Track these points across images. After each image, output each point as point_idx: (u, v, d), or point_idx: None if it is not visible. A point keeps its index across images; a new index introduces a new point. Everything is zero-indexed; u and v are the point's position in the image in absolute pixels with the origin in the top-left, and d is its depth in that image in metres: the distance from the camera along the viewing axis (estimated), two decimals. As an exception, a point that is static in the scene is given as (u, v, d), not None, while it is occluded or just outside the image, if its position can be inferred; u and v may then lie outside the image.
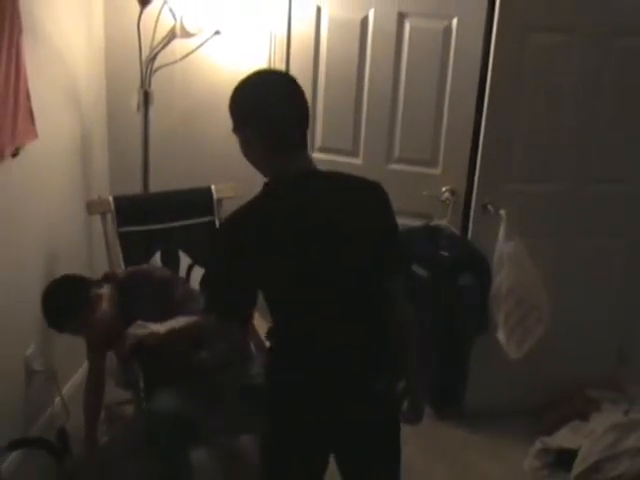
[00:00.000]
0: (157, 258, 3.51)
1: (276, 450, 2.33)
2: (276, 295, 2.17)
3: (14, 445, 3.13)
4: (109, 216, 3.46)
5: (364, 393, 2.25)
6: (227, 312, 2.16)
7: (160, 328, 2.94)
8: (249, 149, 2.16)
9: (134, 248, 3.49)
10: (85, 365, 3.62)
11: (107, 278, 3.17)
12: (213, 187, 3.63)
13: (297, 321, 2.19)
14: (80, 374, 3.81)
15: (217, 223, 3.61)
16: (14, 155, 2.99)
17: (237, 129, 2.17)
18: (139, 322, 2.97)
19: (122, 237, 3.47)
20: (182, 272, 3.54)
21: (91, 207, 3.50)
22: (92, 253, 3.95)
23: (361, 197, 2.20)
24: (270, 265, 2.07)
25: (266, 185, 2.15)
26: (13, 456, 3.22)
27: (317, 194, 2.13)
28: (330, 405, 2.20)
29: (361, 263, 2.17)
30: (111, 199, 3.48)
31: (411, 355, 2.37)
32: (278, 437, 2.31)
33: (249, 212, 2.11)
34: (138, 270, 3.25)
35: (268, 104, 2.11)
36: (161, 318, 3.04)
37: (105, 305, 3.01)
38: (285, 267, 2.08)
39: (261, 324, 3.48)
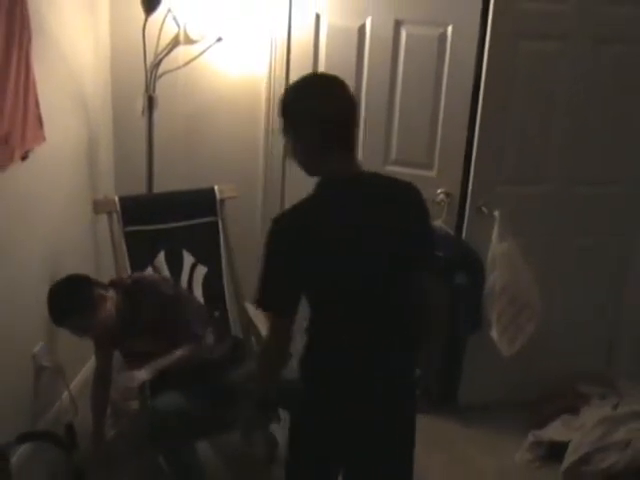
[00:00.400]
0: (161, 257, 3.53)
1: (301, 447, 2.38)
2: (318, 293, 2.19)
3: (23, 439, 3.15)
4: (115, 216, 3.47)
5: (392, 392, 2.32)
6: (278, 307, 2.19)
7: (145, 376, 2.99)
8: (297, 150, 2.20)
9: (139, 247, 3.50)
10: (92, 361, 3.67)
11: (113, 284, 3.17)
12: (216, 188, 3.64)
13: (334, 319, 2.23)
14: (87, 370, 3.84)
15: (220, 223, 3.63)
16: (23, 158, 3.02)
17: (287, 130, 2.20)
18: (127, 373, 3.02)
19: (127, 236, 3.48)
20: (185, 271, 3.57)
21: (97, 206, 3.51)
22: (98, 253, 3.98)
23: (402, 199, 2.26)
24: (316, 263, 2.12)
25: (317, 186, 2.19)
26: (22, 449, 3.24)
27: (364, 197, 2.17)
28: (359, 403, 2.26)
29: (398, 263, 2.22)
30: (117, 199, 3.49)
31: (435, 344, 2.47)
32: (306, 434, 2.36)
33: (301, 211, 2.16)
34: (144, 279, 3.26)
35: (318, 105, 2.13)
36: (159, 332, 3.09)
37: (109, 307, 3.01)
38: (330, 266, 2.13)
39: (261, 323, 3.58)
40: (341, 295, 2.18)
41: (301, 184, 4.00)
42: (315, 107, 2.14)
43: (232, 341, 3.40)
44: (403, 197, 2.26)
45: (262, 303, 2.21)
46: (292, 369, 3.16)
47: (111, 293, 3.07)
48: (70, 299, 3.01)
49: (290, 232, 2.13)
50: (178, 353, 3.05)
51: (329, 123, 2.13)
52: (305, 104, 2.15)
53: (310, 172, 2.22)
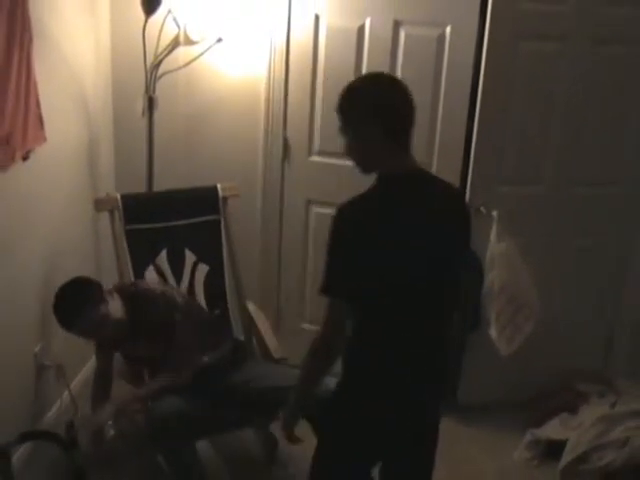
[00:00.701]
0: (163, 256, 3.53)
1: (340, 447, 2.38)
2: (373, 285, 2.17)
3: (24, 437, 3.15)
4: (117, 214, 3.47)
5: (431, 390, 2.39)
6: (340, 292, 2.17)
7: (108, 413, 3.07)
8: (361, 146, 2.21)
9: (141, 246, 3.49)
10: (92, 361, 3.69)
11: (117, 289, 3.17)
12: (219, 186, 3.65)
13: (384, 315, 2.22)
14: (88, 369, 3.86)
15: (222, 222, 3.63)
16: (25, 158, 3.04)
17: (351, 126, 2.21)
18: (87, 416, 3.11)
19: (129, 235, 3.47)
20: (187, 270, 3.57)
21: (99, 204, 3.51)
22: (98, 253, 3.99)
23: (456, 205, 2.31)
24: (375, 256, 2.13)
25: (381, 180, 2.20)
26: (23, 448, 3.27)
27: (425, 195, 2.23)
28: (404, 401, 2.31)
29: (446, 263, 2.27)
30: (119, 197, 3.48)
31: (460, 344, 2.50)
32: (347, 433, 2.35)
33: (366, 203, 2.17)
34: (146, 290, 3.23)
35: (390, 103, 2.17)
36: (159, 340, 3.11)
37: (114, 313, 3.02)
38: (388, 260, 2.14)
39: (262, 322, 3.60)
40: (394, 290, 2.19)
41: (299, 185, 4.06)
42: (388, 103, 2.18)
43: (233, 343, 3.41)
44: (456, 203, 2.34)
45: (325, 287, 2.19)
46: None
47: (116, 298, 3.08)
48: (77, 302, 3.01)
49: (355, 222, 2.15)
50: (159, 382, 3.07)
51: (398, 119, 2.18)
52: (379, 101, 2.18)
53: (368, 169, 2.24)
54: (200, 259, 3.61)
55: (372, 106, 2.17)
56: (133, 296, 3.15)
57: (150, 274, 3.52)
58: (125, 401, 3.10)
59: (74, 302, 2.99)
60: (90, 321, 2.96)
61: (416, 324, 2.26)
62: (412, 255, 2.17)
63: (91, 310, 2.96)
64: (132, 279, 3.46)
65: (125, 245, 3.48)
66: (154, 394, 3.03)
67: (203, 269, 3.61)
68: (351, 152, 2.24)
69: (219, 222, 3.65)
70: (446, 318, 2.36)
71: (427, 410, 2.42)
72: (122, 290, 3.17)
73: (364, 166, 2.25)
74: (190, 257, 3.60)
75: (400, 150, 2.21)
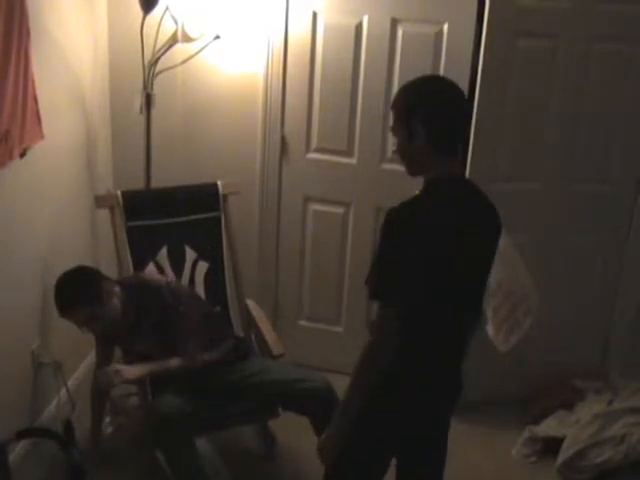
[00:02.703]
0: (163, 253, 3.52)
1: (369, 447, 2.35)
2: (424, 290, 2.14)
3: (22, 435, 3.19)
4: (117, 211, 3.45)
5: (456, 390, 2.41)
6: (394, 298, 2.13)
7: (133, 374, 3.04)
8: (413, 146, 2.18)
9: (141, 242, 3.48)
10: (90, 358, 3.71)
11: (119, 282, 3.18)
12: (219, 183, 3.65)
13: (431, 319, 2.21)
14: (85, 367, 3.87)
15: (222, 218, 3.63)
16: (22, 155, 3.03)
17: (406, 125, 2.18)
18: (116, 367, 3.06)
19: (129, 232, 3.46)
20: (187, 267, 3.57)
21: (99, 201, 3.49)
22: (96, 250, 3.99)
23: (492, 211, 2.31)
24: (427, 261, 2.11)
25: (428, 185, 2.20)
26: (21, 445, 3.28)
27: (471, 200, 2.24)
28: (438, 400, 2.36)
29: (483, 277, 2.33)
30: (119, 193, 3.47)
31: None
32: (373, 442, 2.33)
33: (417, 208, 2.15)
34: (149, 281, 3.24)
35: (446, 107, 2.17)
36: (160, 337, 3.13)
37: (115, 302, 3.03)
38: (439, 266, 2.13)
39: (262, 319, 3.61)
40: (442, 295, 2.18)
41: (297, 182, 4.06)
42: (452, 108, 2.18)
43: (233, 341, 3.41)
44: (494, 215, 2.32)
45: (378, 291, 2.16)
46: (308, 373, 3.20)
47: (118, 290, 3.08)
48: (78, 288, 3.03)
49: (409, 225, 2.12)
50: (173, 363, 3.07)
51: (452, 124, 2.19)
52: (443, 104, 2.17)
53: (416, 171, 2.24)
54: (200, 256, 3.62)
55: (434, 114, 2.16)
56: (137, 287, 3.16)
57: (150, 271, 3.51)
58: (141, 374, 3.06)
59: (73, 290, 3.01)
60: (86, 311, 2.97)
61: (457, 325, 2.29)
62: (464, 260, 2.18)
63: (89, 300, 2.97)
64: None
65: (125, 242, 3.47)
66: (161, 372, 3.05)
67: (203, 266, 3.62)
68: (400, 151, 2.24)
69: (219, 219, 3.65)
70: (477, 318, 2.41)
71: (451, 408, 2.46)
72: (125, 281, 3.19)
73: (413, 168, 2.24)
74: (190, 254, 3.60)
75: (448, 156, 2.20)
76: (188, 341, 3.11)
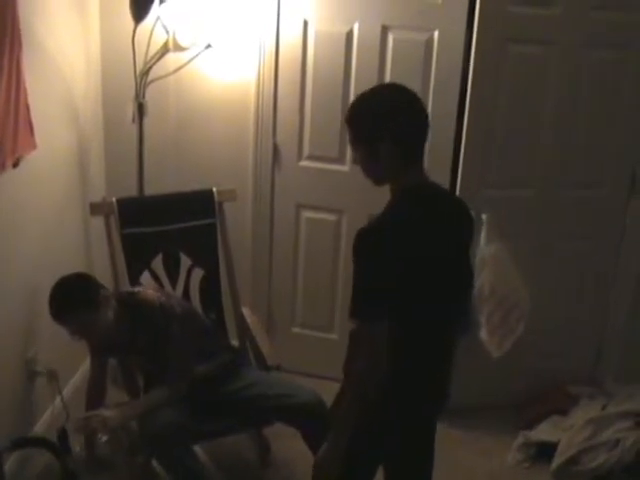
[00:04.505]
0: (158, 260, 3.52)
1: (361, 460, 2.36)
2: (407, 304, 2.14)
3: (16, 444, 3.16)
4: (112, 218, 3.46)
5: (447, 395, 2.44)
6: (376, 317, 2.10)
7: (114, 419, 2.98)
8: (376, 158, 2.15)
9: (136, 250, 3.48)
10: (85, 367, 3.69)
11: (116, 297, 3.15)
12: (215, 190, 3.65)
13: (419, 331, 2.20)
14: (80, 376, 3.86)
15: (218, 226, 3.63)
16: (15, 165, 3.03)
17: (365, 138, 2.16)
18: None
19: (124, 239, 3.46)
20: (182, 274, 3.57)
21: (94, 209, 3.48)
22: (91, 259, 3.99)
23: (463, 211, 2.32)
24: (408, 275, 2.10)
25: (397, 196, 2.18)
26: (16, 455, 3.25)
27: (442, 206, 2.25)
28: (433, 407, 2.41)
29: (465, 271, 2.33)
30: (114, 201, 3.48)
31: None
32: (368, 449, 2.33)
33: (389, 220, 2.14)
34: (145, 302, 3.17)
35: (407, 116, 2.14)
36: (153, 354, 3.12)
37: (110, 313, 3.01)
38: (420, 279, 2.12)
39: (257, 328, 3.61)
40: (429, 301, 2.18)
41: (289, 189, 4.07)
42: (407, 118, 2.14)
43: (228, 355, 3.40)
44: (463, 207, 2.34)
45: (359, 312, 2.13)
46: (298, 387, 3.19)
47: (114, 303, 3.06)
48: (74, 292, 3.00)
49: (383, 242, 2.10)
50: (160, 394, 3.05)
51: (413, 133, 2.16)
52: (395, 114, 2.13)
53: (381, 182, 2.22)
54: (195, 263, 3.62)
55: (389, 126, 2.12)
56: (132, 307, 3.13)
57: (145, 278, 3.51)
58: (119, 420, 3.01)
59: (69, 294, 2.98)
60: (80, 317, 2.95)
61: (444, 338, 2.30)
62: (442, 266, 2.18)
63: (83, 306, 2.95)
64: (127, 284, 3.45)
65: (120, 249, 3.47)
66: (149, 410, 3.01)
67: (198, 273, 3.62)
68: (363, 166, 2.20)
69: (215, 226, 3.65)
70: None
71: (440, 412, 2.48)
72: (121, 298, 3.16)
73: (377, 180, 2.22)
74: (185, 261, 3.60)
75: (414, 164, 2.19)
76: (179, 365, 3.09)
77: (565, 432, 3.60)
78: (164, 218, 3.58)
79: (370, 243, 2.11)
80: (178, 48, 3.62)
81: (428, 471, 2.54)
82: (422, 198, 2.20)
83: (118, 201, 3.49)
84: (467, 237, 2.38)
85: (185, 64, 3.71)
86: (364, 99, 2.20)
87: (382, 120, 2.13)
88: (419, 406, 2.32)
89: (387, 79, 3.71)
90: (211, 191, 3.65)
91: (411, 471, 2.50)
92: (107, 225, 3.47)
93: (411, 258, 2.10)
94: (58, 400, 3.53)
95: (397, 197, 2.19)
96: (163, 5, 3.52)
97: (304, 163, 3.98)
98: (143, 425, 3.03)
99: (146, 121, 3.76)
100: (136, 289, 3.32)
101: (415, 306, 2.16)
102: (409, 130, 2.14)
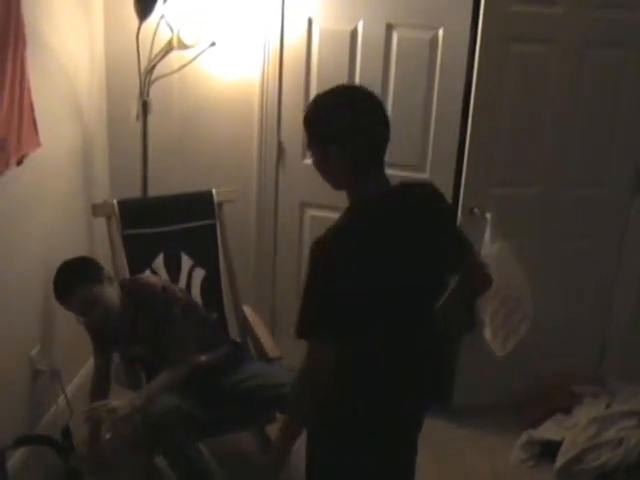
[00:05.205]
0: (160, 260, 3.53)
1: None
2: (363, 318, 2.07)
3: (20, 442, 3.18)
4: (114, 219, 3.48)
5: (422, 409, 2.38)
6: (322, 333, 2.06)
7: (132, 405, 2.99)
8: (329, 165, 2.09)
9: (137, 250, 3.50)
10: (88, 365, 3.71)
11: (118, 282, 3.20)
12: (214, 191, 3.66)
13: (375, 346, 2.13)
14: (83, 374, 3.87)
15: (218, 226, 3.64)
16: (19, 163, 3.03)
17: (318, 143, 2.09)
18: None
19: (126, 240, 3.49)
20: (183, 274, 3.58)
21: (96, 210, 3.51)
22: (94, 257, 3.96)
23: (435, 206, 2.22)
24: (361, 288, 2.02)
25: (355, 206, 2.11)
26: (19, 453, 3.27)
27: (402, 213, 2.11)
28: (400, 425, 2.30)
29: (437, 279, 2.23)
30: (115, 202, 3.50)
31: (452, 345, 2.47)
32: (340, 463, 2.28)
33: (345, 234, 2.06)
34: (146, 285, 3.23)
35: (357, 122, 2.04)
36: (156, 342, 3.14)
37: (114, 295, 3.04)
38: (375, 291, 2.04)
39: (259, 324, 3.61)
40: (386, 318, 2.10)
41: (294, 189, 4.06)
42: (358, 123, 2.04)
43: (229, 346, 3.43)
44: (433, 208, 2.23)
45: (309, 328, 2.08)
46: None
47: (115, 285, 3.11)
48: (80, 268, 3.06)
49: (336, 256, 2.03)
50: (154, 387, 3.07)
51: (369, 140, 2.06)
52: (345, 119, 2.04)
53: (338, 187, 2.15)
54: (196, 263, 3.63)
55: (340, 131, 2.04)
56: (133, 291, 3.16)
57: (147, 276, 3.51)
58: (127, 409, 3.01)
59: (75, 270, 3.03)
60: (87, 290, 2.97)
61: (409, 348, 2.21)
62: (400, 278, 2.08)
63: (90, 279, 2.99)
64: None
65: (122, 250, 3.49)
66: (153, 396, 3.02)
67: (199, 273, 3.63)
68: (319, 170, 2.13)
69: (215, 226, 3.66)
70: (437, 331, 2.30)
71: (419, 426, 2.41)
72: (123, 285, 3.20)
73: (334, 185, 2.15)
74: (186, 261, 3.61)
75: (377, 171, 2.11)
76: (181, 349, 3.11)
77: (569, 431, 3.60)
78: (165, 219, 3.60)
79: (318, 258, 2.04)
80: (182, 46, 3.61)
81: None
82: (376, 210, 2.10)
83: (119, 202, 3.52)
84: (443, 232, 2.23)
85: (189, 62, 3.71)
86: (316, 100, 2.12)
87: (330, 124, 2.06)
88: (393, 409, 2.25)
89: (392, 77, 3.72)
90: (210, 192, 3.67)
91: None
92: (109, 226, 3.50)
93: (358, 276, 2.01)
94: (61, 398, 3.56)
95: (351, 208, 2.11)
96: (167, 3, 3.52)
97: (309, 161, 3.91)
98: (146, 412, 3.03)
99: (150, 119, 3.76)
100: (138, 276, 3.39)
101: (366, 324, 2.08)
102: (358, 136, 2.03)
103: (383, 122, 2.08)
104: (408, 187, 2.20)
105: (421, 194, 2.22)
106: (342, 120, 2.04)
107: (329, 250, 2.04)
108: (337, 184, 2.15)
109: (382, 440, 2.25)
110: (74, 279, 2.99)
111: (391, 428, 2.26)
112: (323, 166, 2.11)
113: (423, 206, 2.20)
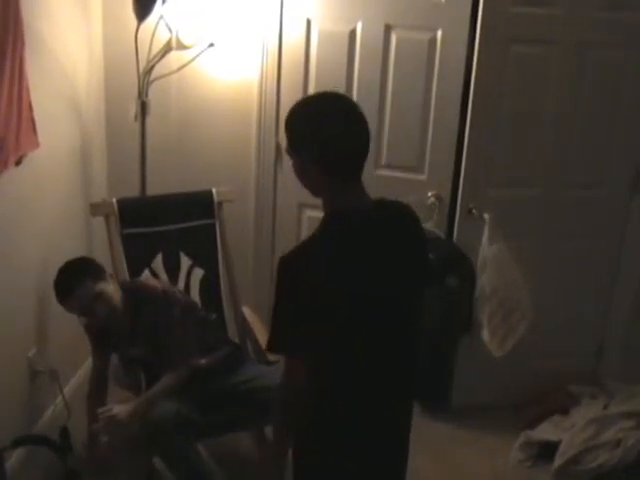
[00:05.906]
0: (159, 260, 3.53)
1: None
2: (335, 339, 2.05)
3: (18, 443, 3.17)
4: (112, 219, 3.47)
5: (404, 425, 2.35)
6: (293, 350, 2.06)
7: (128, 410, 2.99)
8: (304, 173, 2.05)
9: (136, 250, 3.49)
10: (86, 366, 3.70)
11: (119, 282, 3.21)
12: (214, 190, 3.65)
13: (350, 364, 2.10)
14: (81, 374, 3.87)
15: (217, 226, 3.64)
16: (17, 164, 3.03)
17: (293, 151, 2.05)
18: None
19: (125, 239, 3.48)
20: (182, 274, 3.57)
21: (95, 209, 3.50)
22: (93, 257, 3.97)
23: (409, 228, 2.21)
24: (334, 304, 2.00)
25: (329, 222, 2.07)
26: (17, 453, 3.26)
27: (376, 230, 2.09)
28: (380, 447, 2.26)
29: (412, 298, 2.20)
30: (114, 201, 3.49)
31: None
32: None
33: (309, 249, 2.05)
34: (145, 286, 3.24)
35: (330, 129, 1.98)
36: (155, 344, 3.13)
37: (115, 293, 3.04)
38: (346, 309, 2.02)
39: (257, 325, 3.61)
40: (358, 337, 2.08)
41: (292, 190, 4.06)
42: (333, 137, 1.98)
43: (229, 348, 3.42)
44: (409, 230, 2.22)
45: (275, 344, 2.10)
46: None
47: (116, 285, 3.12)
48: (82, 265, 3.06)
49: (301, 271, 2.01)
50: (154, 392, 3.06)
51: (344, 149, 2.00)
52: (318, 127, 2.00)
53: (316, 195, 2.10)
54: (195, 263, 3.62)
55: (312, 138, 2.00)
56: (133, 292, 3.16)
57: (146, 277, 3.51)
58: (124, 418, 2.99)
59: (76, 271, 3.02)
60: (90, 287, 2.97)
61: (385, 364, 2.18)
62: (369, 300, 2.05)
63: (93, 275, 3.00)
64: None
65: (121, 249, 3.49)
66: (154, 401, 3.02)
67: (198, 273, 3.62)
68: (296, 175, 2.09)
69: (214, 226, 3.65)
70: (415, 346, 2.27)
71: (403, 441, 2.38)
72: (123, 286, 3.20)
73: (310, 191, 2.10)
74: (185, 261, 3.61)
75: (352, 185, 2.06)
76: (181, 350, 3.12)
77: (566, 432, 3.60)
78: (164, 218, 3.60)
79: (283, 274, 2.02)
80: (181, 47, 3.61)
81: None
82: (348, 224, 2.06)
83: (118, 202, 3.51)
84: (415, 251, 2.23)
85: (188, 63, 3.70)
86: (294, 108, 2.07)
87: (307, 129, 2.03)
88: (372, 411, 2.21)
89: (390, 78, 3.72)
90: (210, 192, 3.66)
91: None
92: (107, 225, 3.49)
93: (329, 292, 1.99)
94: (59, 399, 3.56)
95: (325, 221, 2.08)
96: (166, 4, 3.52)
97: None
98: (145, 417, 3.02)
99: (149, 120, 3.75)
100: (137, 278, 3.40)
101: (338, 339, 2.06)
102: (331, 149, 1.98)
103: (358, 135, 2.03)
104: (385, 203, 2.17)
105: (397, 212, 2.20)
106: (314, 132, 2.00)
107: (293, 266, 2.02)
108: (313, 191, 2.11)
109: (362, 443, 2.23)
110: (77, 276, 2.99)
111: (371, 430, 2.23)
112: (298, 172, 2.08)
113: (397, 224, 2.18)
